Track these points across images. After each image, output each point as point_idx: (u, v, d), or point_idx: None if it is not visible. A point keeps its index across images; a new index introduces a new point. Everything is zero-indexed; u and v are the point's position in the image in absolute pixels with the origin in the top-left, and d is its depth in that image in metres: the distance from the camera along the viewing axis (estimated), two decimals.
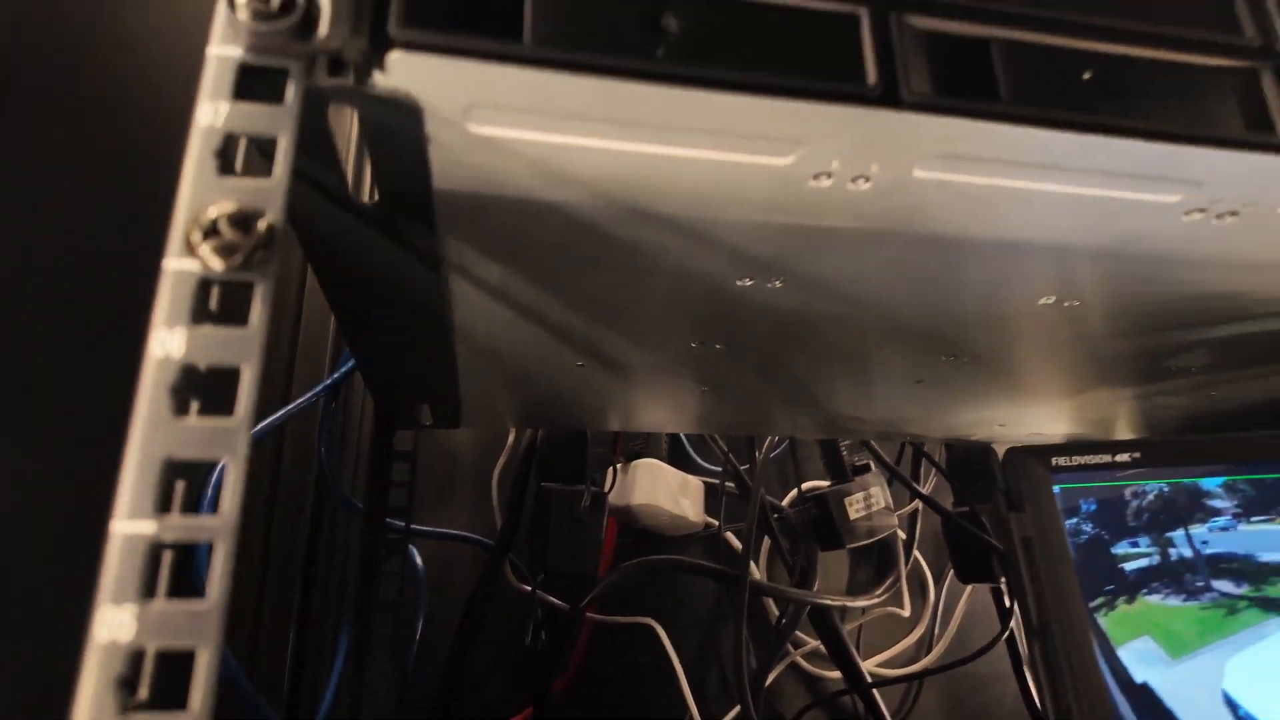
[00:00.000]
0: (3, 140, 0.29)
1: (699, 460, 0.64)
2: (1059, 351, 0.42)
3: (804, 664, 0.61)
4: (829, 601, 0.57)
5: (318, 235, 0.27)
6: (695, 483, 0.60)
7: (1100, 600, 0.30)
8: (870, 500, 0.58)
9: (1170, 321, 0.36)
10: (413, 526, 0.52)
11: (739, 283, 0.31)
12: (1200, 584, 0.29)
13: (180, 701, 0.14)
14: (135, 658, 0.14)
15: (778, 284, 0.31)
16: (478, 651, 0.53)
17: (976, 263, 0.30)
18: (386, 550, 0.50)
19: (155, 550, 0.15)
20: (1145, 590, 0.30)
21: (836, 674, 0.59)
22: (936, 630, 0.66)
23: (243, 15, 0.17)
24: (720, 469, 0.62)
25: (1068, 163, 0.23)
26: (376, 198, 0.24)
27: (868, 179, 0.23)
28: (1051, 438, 0.58)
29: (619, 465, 0.58)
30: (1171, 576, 0.30)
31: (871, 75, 0.21)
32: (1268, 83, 0.25)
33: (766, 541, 0.64)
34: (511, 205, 0.24)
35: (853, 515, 0.58)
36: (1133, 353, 0.40)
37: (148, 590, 0.15)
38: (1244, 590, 0.29)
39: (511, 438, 0.60)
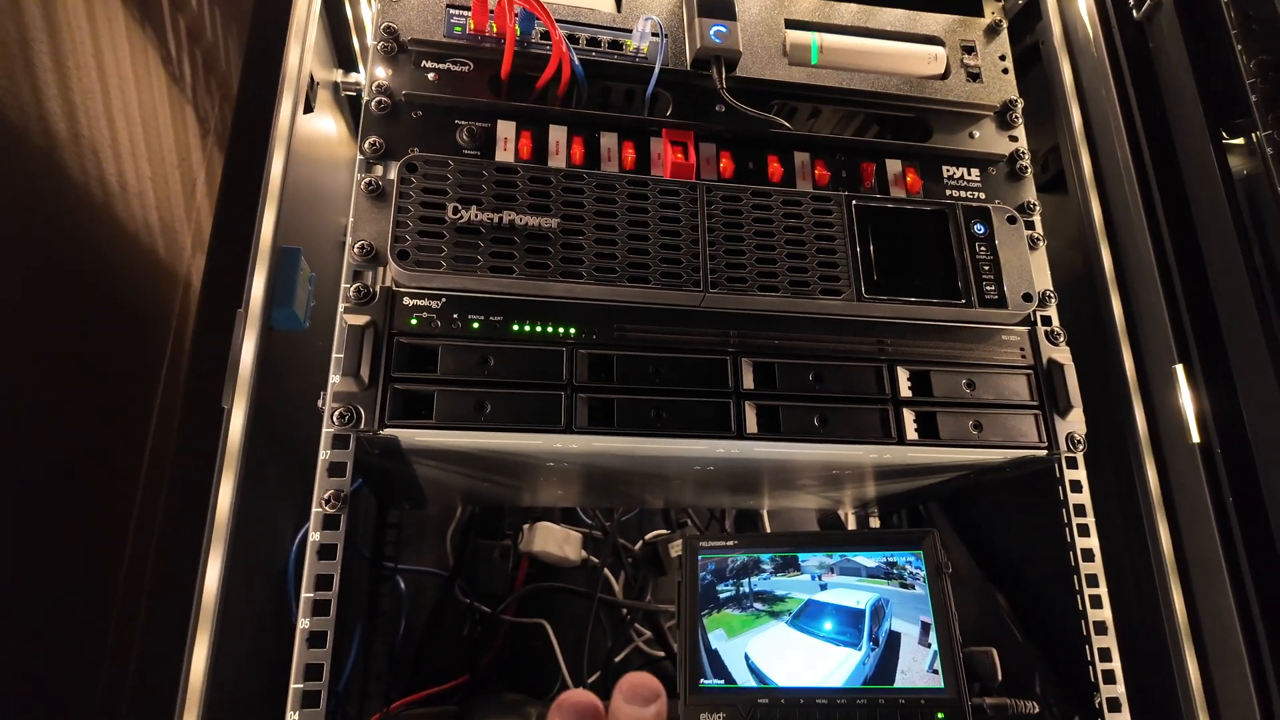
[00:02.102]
0: None
1: (583, 518, 1.00)
2: (751, 482, 0.78)
3: (643, 646, 0.96)
4: (656, 607, 0.94)
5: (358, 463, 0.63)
6: (575, 535, 0.96)
7: (705, 610, 0.66)
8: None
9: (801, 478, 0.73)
10: (398, 565, 0.88)
11: (548, 464, 0.67)
12: (748, 604, 0.66)
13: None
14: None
15: (565, 464, 0.67)
16: (437, 640, 0.89)
17: (761, 465, 0.67)
18: (383, 579, 0.86)
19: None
20: (725, 607, 0.66)
21: (661, 653, 0.95)
22: None
23: (338, 425, 0.53)
24: (593, 524, 0.98)
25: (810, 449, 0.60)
26: (377, 453, 0.60)
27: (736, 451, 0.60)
28: (791, 508, 0.94)
29: (526, 525, 0.94)
30: (737, 601, 0.66)
31: (734, 428, 0.57)
32: (893, 414, 0.61)
33: (624, 574, 1.00)
34: (435, 450, 0.60)
35: (673, 553, 0.95)
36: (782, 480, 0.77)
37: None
38: (765, 608, 0.65)
39: (459, 512, 0.96)
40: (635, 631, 0.96)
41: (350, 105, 0.86)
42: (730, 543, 0.69)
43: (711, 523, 1.01)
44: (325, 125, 0.78)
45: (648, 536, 0.98)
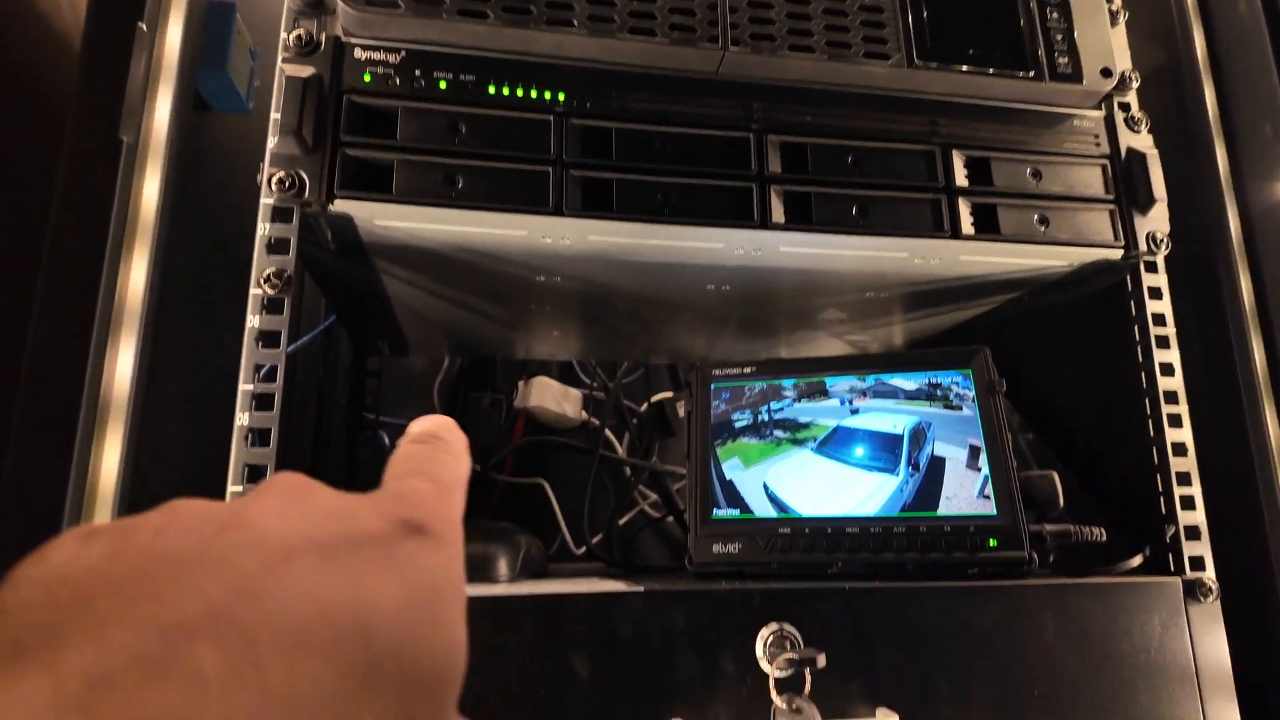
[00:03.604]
0: None
1: (583, 377, 0.92)
2: (770, 313, 0.69)
3: (648, 509, 0.90)
4: (661, 468, 0.86)
5: (315, 263, 0.54)
6: (574, 392, 0.88)
7: (719, 441, 0.58)
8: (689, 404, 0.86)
9: (833, 299, 0.63)
10: (380, 418, 0.80)
11: (537, 278, 0.58)
12: (767, 432, 0.57)
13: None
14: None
15: (558, 279, 0.58)
16: None
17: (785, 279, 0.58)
18: (364, 433, 0.79)
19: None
20: (741, 436, 0.57)
21: (669, 516, 0.88)
22: None
23: (278, 193, 0.44)
24: (594, 383, 0.90)
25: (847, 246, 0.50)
26: (334, 247, 0.51)
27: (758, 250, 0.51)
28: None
29: (521, 381, 0.86)
30: (755, 430, 0.57)
31: (757, 216, 0.48)
32: (946, 205, 0.51)
33: (628, 436, 0.92)
34: (399, 246, 0.51)
35: (681, 414, 0.87)
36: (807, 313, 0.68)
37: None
38: (786, 435, 0.57)
39: (446, 364, 0.87)
40: (640, 495, 0.89)
41: None
42: (747, 369, 0.60)
43: None
44: None
45: (654, 398, 0.90)
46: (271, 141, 0.45)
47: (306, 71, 0.46)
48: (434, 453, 0.22)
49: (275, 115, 0.44)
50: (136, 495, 0.40)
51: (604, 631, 0.42)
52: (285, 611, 0.14)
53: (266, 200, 0.45)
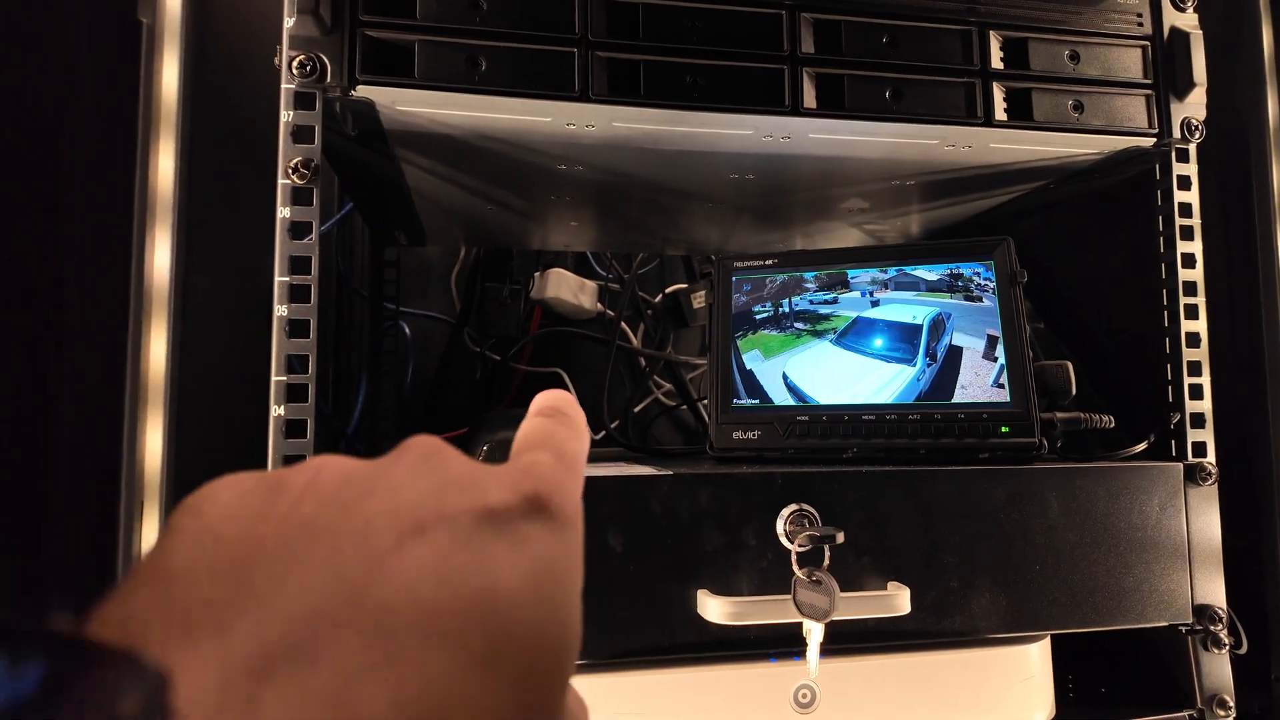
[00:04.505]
0: None
1: (598, 269, 0.92)
2: (789, 203, 0.68)
3: (662, 398, 0.92)
4: (676, 358, 0.88)
5: (333, 150, 0.53)
6: (590, 283, 0.88)
7: (739, 333, 0.59)
8: (709, 296, 0.86)
9: (856, 189, 0.63)
10: (400, 308, 0.81)
11: (559, 167, 0.57)
12: (788, 324, 0.58)
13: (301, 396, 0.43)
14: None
15: (579, 169, 0.57)
16: (447, 387, 0.85)
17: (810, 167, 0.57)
18: (385, 323, 0.80)
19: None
20: (762, 328, 0.58)
21: (682, 404, 0.91)
22: None
23: (299, 77, 0.43)
24: (609, 275, 0.90)
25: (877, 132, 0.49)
26: (354, 133, 0.50)
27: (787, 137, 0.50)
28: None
29: (537, 273, 0.86)
30: (775, 322, 0.58)
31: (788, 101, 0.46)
32: (980, 90, 0.50)
33: (643, 327, 0.93)
34: (421, 133, 0.50)
35: (696, 305, 0.87)
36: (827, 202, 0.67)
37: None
38: (806, 327, 0.58)
39: (463, 254, 0.87)
40: (655, 384, 0.91)
41: None
42: (769, 261, 0.60)
43: None
44: None
45: (669, 289, 0.90)
46: (288, 21, 0.43)
47: None
48: (556, 427, 0.22)
49: None
50: (185, 383, 0.41)
51: (636, 511, 0.44)
52: (417, 594, 0.15)
53: (288, 86, 0.44)
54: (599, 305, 0.89)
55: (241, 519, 0.16)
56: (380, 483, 0.17)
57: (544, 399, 0.24)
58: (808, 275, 0.59)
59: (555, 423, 0.23)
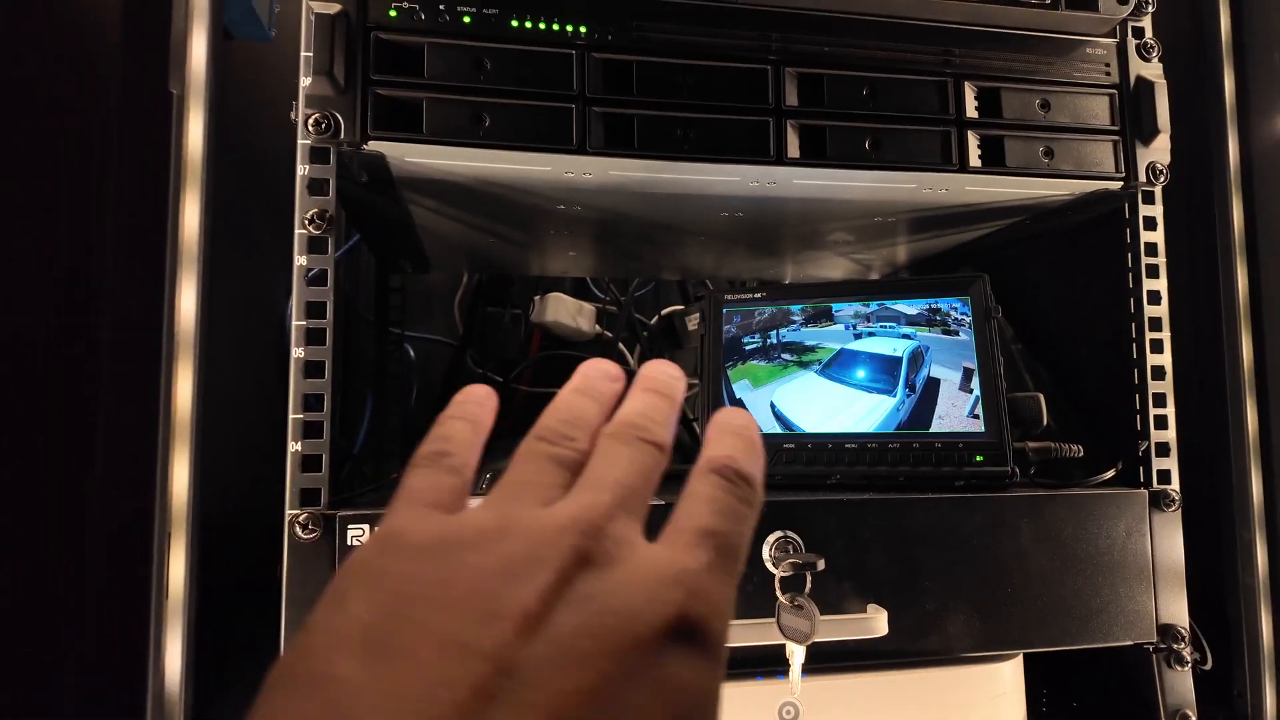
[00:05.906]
0: None
1: (596, 292, 0.95)
2: (779, 236, 0.71)
3: None
4: None
5: (344, 194, 0.56)
6: (588, 307, 0.91)
7: (730, 362, 0.62)
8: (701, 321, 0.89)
9: (838, 225, 0.66)
10: (405, 332, 0.84)
11: (558, 207, 0.60)
12: (775, 355, 0.61)
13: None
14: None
15: (577, 209, 0.60)
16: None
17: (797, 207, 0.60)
18: (390, 346, 0.83)
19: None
20: (751, 359, 0.62)
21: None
22: None
23: (314, 134, 0.46)
24: (606, 298, 0.93)
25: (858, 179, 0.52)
26: (366, 180, 0.53)
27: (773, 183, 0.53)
28: (816, 276, 0.89)
29: (537, 297, 0.89)
30: (764, 353, 0.62)
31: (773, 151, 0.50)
32: (955, 138, 0.53)
33: (639, 348, 0.97)
34: (427, 180, 0.53)
35: (690, 327, 0.90)
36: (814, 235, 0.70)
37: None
38: (794, 358, 0.61)
39: (465, 279, 0.90)
40: None
41: None
42: (758, 295, 0.63)
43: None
44: None
45: (664, 311, 0.94)
46: (305, 81, 0.46)
47: (333, 8, 0.46)
48: (736, 504, 0.19)
49: (306, 54, 0.46)
50: (208, 417, 0.44)
51: None
52: None
53: (304, 141, 0.47)
54: (597, 327, 0.92)
55: (367, 627, 0.16)
56: (508, 606, 0.16)
57: (727, 444, 0.20)
58: (794, 309, 0.62)
59: (737, 496, 0.19)
